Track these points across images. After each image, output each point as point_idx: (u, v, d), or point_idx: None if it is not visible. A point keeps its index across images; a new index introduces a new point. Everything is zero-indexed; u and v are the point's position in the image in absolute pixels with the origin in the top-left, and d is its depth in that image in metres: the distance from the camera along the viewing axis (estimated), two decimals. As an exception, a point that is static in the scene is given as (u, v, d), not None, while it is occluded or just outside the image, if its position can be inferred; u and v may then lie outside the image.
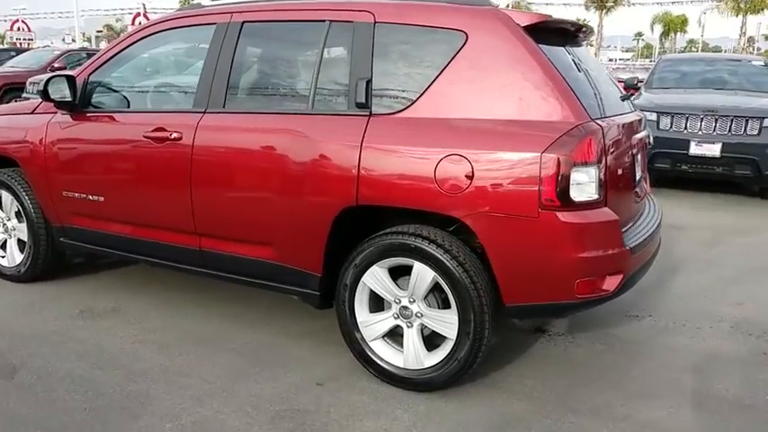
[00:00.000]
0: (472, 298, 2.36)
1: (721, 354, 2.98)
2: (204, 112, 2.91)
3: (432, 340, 2.59)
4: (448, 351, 2.48)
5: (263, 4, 2.95)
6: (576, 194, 2.21)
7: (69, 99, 3.22)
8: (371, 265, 2.57)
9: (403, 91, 2.53)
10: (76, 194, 3.34)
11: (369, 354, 2.65)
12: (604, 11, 54.57)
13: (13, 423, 2.33)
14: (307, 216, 2.65)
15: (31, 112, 3.58)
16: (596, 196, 2.25)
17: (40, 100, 3.63)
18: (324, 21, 2.70)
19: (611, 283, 2.32)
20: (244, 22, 2.89)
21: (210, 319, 3.27)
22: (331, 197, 2.57)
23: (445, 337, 2.50)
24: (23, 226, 3.70)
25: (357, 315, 2.66)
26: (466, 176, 2.28)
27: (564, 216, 2.21)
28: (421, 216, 2.49)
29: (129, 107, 3.36)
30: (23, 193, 3.60)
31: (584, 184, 2.22)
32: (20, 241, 3.79)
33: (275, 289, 2.96)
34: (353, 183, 2.50)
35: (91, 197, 3.29)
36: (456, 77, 2.42)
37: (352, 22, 2.63)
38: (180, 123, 2.95)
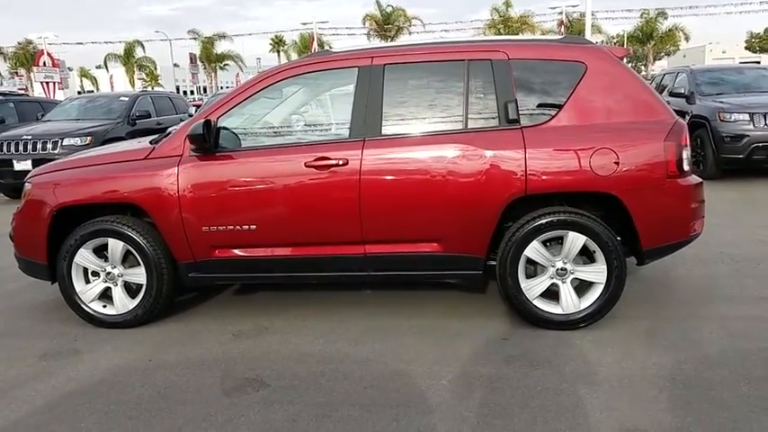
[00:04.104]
0: (617, 249, 3.36)
1: None
2: (364, 140, 3.50)
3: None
4: (600, 292, 3.44)
5: (399, 48, 3.67)
6: (685, 166, 3.36)
7: (207, 143, 3.53)
8: (531, 240, 3.43)
9: (544, 108, 3.46)
10: (221, 228, 3.61)
11: (534, 310, 3.49)
12: (388, 40, 60.04)
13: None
14: (479, 210, 3.42)
15: (146, 158, 3.73)
16: (689, 167, 3.42)
17: (150, 146, 3.82)
18: (463, 60, 3.52)
19: (701, 224, 3.51)
20: (386, 64, 3.56)
21: (367, 316, 3.79)
22: (503, 191, 3.38)
23: (593, 284, 3.46)
24: (136, 270, 3.79)
25: (521, 282, 3.48)
26: (614, 163, 3.29)
27: (682, 181, 3.37)
28: (571, 198, 3.44)
29: (269, 144, 3.75)
30: (141, 237, 3.71)
31: (686, 160, 3.37)
32: (127, 287, 3.85)
33: (438, 276, 3.65)
34: (523, 178, 3.35)
35: (241, 227, 3.60)
36: (583, 95, 3.43)
37: (489, 60, 3.49)
38: (343, 151, 3.50)
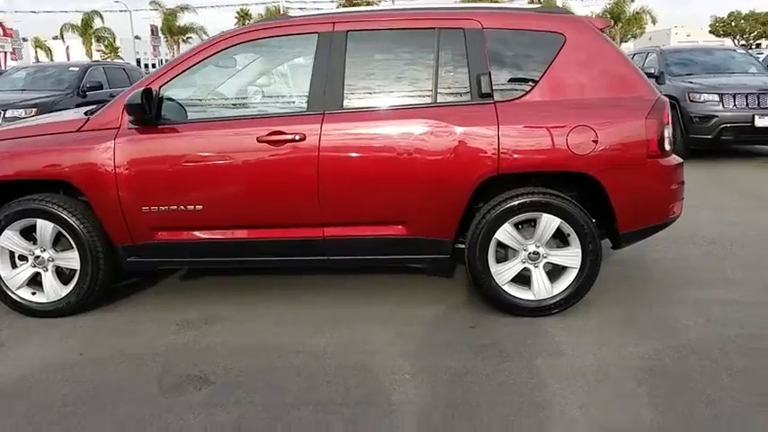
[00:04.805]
0: (592, 232, 3.15)
1: None
2: (324, 114, 3.18)
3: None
4: (574, 277, 3.22)
5: (364, 14, 3.33)
6: (667, 145, 3.14)
7: (147, 114, 3.16)
8: (503, 223, 3.19)
9: (519, 82, 3.19)
10: (163, 208, 3.26)
11: (504, 296, 3.26)
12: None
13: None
14: (448, 190, 3.15)
15: (79, 130, 3.34)
16: (671, 147, 3.21)
17: (84, 116, 3.43)
18: (433, 28, 3.22)
19: (680, 206, 3.32)
20: (348, 31, 3.23)
21: (330, 304, 3.52)
22: (474, 171, 3.11)
23: (566, 268, 3.25)
24: (68, 254, 3.42)
25: (491, 267, 3.25)
26: (593, 141, 3.05)
27: (663, 161, 3.15)
28: (546, 178, 3.21)
29: (218, 116, 3.39)
30: (73, 218, 3.33)
31: (667, 139, 3.16)
32: (59, 272, 3.48)
33: (402, 261, 3.39)
34: (495, 156, 3.09)
35: (186, 207, 3.26)
36: (561, 69, 3.17)
37: (462, 29, 3.20)
38: (300, 125, 3.17)
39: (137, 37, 55.74)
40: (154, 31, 45.64)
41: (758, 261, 4.09)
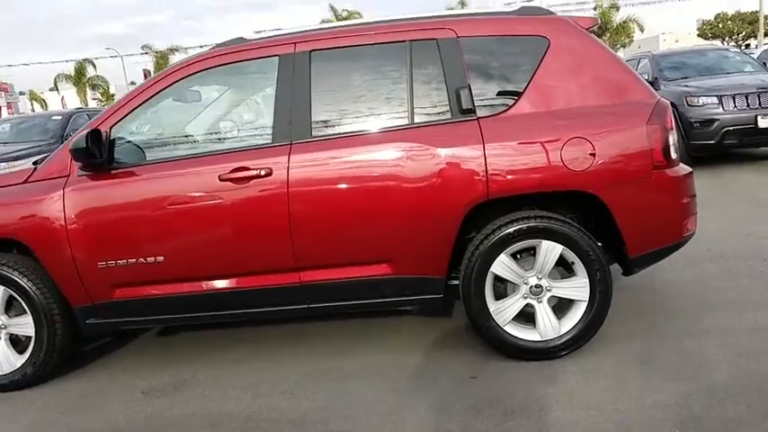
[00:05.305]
0: (599, 258, 2.80)
1: None
2: (291, 144, 2.87)
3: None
4: (583, 311, 2.86)
5: (327, 32, 3.04)
6: (673, 154, 2.81)
7: (97, 158, 2.87)
8: (499, 254, 2.84)
9: (502, 93, 2.88)
10: (121, 262, 2.94)
11: (506, 337, 2.90)
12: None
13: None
14: (433, 221, 2.81)
15: (26, 182, 3.03)
16: (677, 155, 2.88)
17: (31, 167, 3.13)
18: (404, 41, 2.92)
19: (694, 222, 2.97)
20: (312, 51, 2.94)
21: (308, 357, 3.15)
22: (461, 197, 2.78)
23: (574, 302, 2.89)
24: (22, 320, 3.08)
25: (489, 305, 2.89)
26: (590, 155, 2.73)
27: (670, 172, 2.81)
28: (542, 199, 2.87)
29: (175, 155, 3.07)
30: (25, 279, 3.01)
31: (673, 146, 2.83)
32: (13, 341, 3.14)
33: (390, 304, 3.03)
34: (483, 179, 2.76)
35: (145, 260, 2.93)
36: (547, 75, 2.86)
37: (435, 39, 2.90)
38: (265, 159, 2.86)
39: (132, 83, 56.13)
40: (146, 75, 45.99)
41: (783, 276, 3.73)
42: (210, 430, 2.54)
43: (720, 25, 54.51)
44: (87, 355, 3.43)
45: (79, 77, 49.74)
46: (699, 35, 53.91)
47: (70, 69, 50.37)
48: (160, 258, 2.93)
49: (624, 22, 43.88)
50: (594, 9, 44.51)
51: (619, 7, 43.92)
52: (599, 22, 4.00)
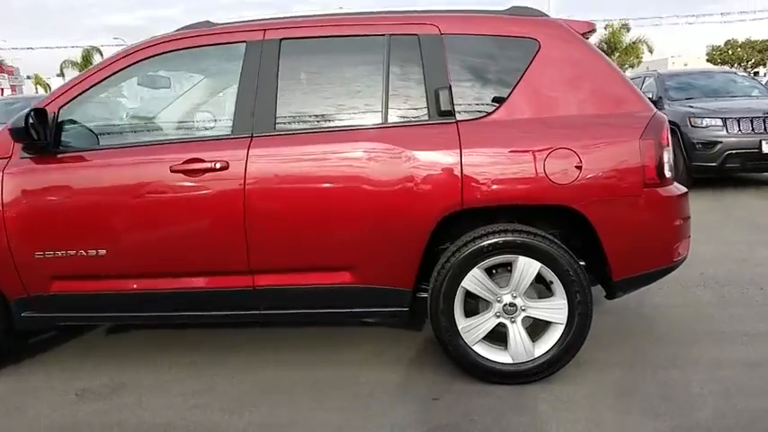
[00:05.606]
0: (580, 279, 2.56)
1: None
2: (252, 137, 2.64)
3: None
4: (559, 335, 2.62)
5: (301, 20, 2.81)
6: (667, 172, 2.58)
7: (40, 140, 2.63)
8: (471, 268, 2.60)
9: (485, 97, 2.65)
10: (60, 253, 2.70)
11: (474, 358, 2.66)
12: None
13: None
14: (402, 228, 2.58)
15: (-41, 162, 2.80)
16: (672, 173, 2.65)
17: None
18: (382, 35, 2.69)
19: (686, 246, 2.73)
20: (282, 39, 2.71)
21: (259, 366, 2.91)
22: (433, 204, 2.55)
23: (550, 324, 2.65)
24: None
25: (457, 322, 2.65)
26: (575, 168, 2.49)
27: (663, 191, 2.56)
28: (522, 212, 2.64)
29: (127, 142, 2.85)
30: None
31: (667, 164, 2.59)
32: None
33: (351, 315, 2.80)
34: (458, 188, 2.52)
35: (87, 252, 2.69)
36: (535, 81, 2.63)
37: (416, 35, 2.68)
38: (221, 151, 2.63)
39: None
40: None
41: (780, 307, 3.49)
42: (138, 443, 2.29)
43: (730, 52, 54.39)
44: (27, 350, 3.18)
45: (85, 64, 49.57)
46: (708, 60, 53.80)
47: (77, 56, 50.37)
48: (102, 252, 2.69)
49: (634, 42, 43.74)
50: (605, 28, 44.36)
51: (629, 28, 43.77)
52: (596, 27, 3.82)
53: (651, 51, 45.94)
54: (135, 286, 2.74)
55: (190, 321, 3.01)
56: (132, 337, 3.38)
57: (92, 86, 2.78)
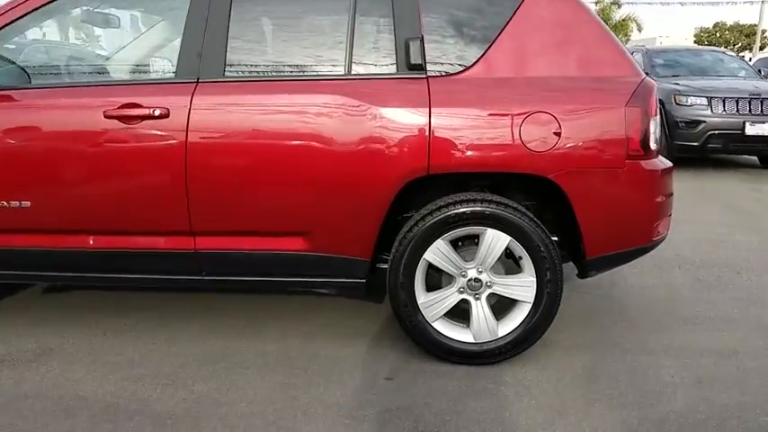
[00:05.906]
0: (551, 255, 2.36)
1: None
2: (197, 83, 2.36)
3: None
4: (526, 314, 2.44)
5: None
6: (652, 144, 2.36)
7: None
8: (435, 239, 2.39)
9: (460, 51, 2.38)
10: (-21, 203, 2.42)
11: (434, 336, 2.46)
12: None
13: None
14: (361, 192, 2.34)
15: None
16: (657, 146, 2.43)
17: None
18: (350, -26, 2.40)
19: (666, 225, 2.54)
20: (237, -28, 2.41)
21: (204, 336, 2.69)
22: (396, 168, 2.30)
23: (516, 302, 2.46)
24: None
25: (417, 297, 2.45)
26: (554, 134, 2.26)
27: (646, 164, 2.34)
28: (493, 181, 2.42)
29: (63, 82, 2.54)
30: None
31: (653, 135, 2.38)
32: None
33: (303, 284, 2.57)
34: (424, 151, 2.28)
35: (8, 204, 2.41)
36: (517, 36, 2.37)
37: (388, -25, 2.39)
38: (162, 96, 2.34)
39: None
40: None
41: (755, 294, 3.34)
42: (50, 419, 2.06)
43: (718, 34, 54.31)
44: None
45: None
46: (695, 41, 53.67)
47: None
48: (26, 203, 2.41)
49: (623, 20, 43.33)
50: (596, 4, 43.83)
51: (620, 4, 43.28)
52: None
53: (640, 30, 45.58)
54: (62, 243, 2.47)
55: (126, 285, 2.76)
56: (73, 297, 3.13)
57: (23, 16, 2.45)
